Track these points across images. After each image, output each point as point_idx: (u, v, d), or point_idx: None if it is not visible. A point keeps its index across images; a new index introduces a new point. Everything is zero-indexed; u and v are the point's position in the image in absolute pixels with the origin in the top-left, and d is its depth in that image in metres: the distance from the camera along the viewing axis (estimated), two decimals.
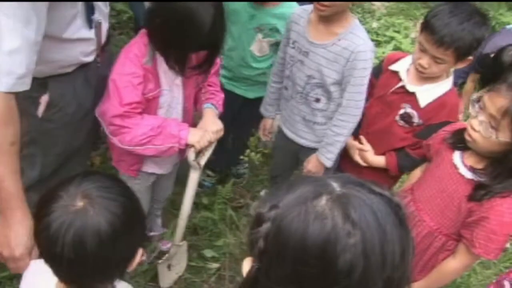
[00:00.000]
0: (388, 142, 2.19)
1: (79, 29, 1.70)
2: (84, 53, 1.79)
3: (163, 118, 1.88)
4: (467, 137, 1.68)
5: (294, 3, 2.34)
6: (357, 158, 2.27)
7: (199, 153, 1.98)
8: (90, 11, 1.72)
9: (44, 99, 1.74)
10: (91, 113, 1.94)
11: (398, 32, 4.47)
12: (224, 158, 2.89)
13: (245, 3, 2.27)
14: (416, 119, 2.07)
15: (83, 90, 1.86)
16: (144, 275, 2.43)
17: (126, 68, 1.79)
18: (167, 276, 2.44)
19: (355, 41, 2.00)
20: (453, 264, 1.83)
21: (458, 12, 1.85)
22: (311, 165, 2.28)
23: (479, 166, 1.71)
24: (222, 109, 2.13)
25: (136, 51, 1.81)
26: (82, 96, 1.86)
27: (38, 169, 1.96)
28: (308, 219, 0.72)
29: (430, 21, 1.87)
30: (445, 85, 2.02)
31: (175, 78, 1.92)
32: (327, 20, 2.03)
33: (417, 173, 2.10)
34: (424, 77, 2.00)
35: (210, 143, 1.97)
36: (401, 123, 2.11)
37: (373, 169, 2.26)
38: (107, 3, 1.89)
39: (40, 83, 1.70)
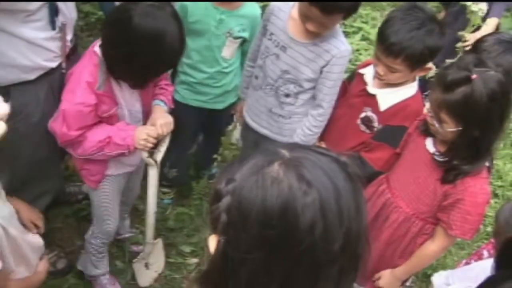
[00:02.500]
0: (344, 144, 2.13)
1: (41, 30, 1.67)
2: (47, 57, 1.74)
3: (109, 128, 1.82)
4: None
5: (255, 3, 2.28)
6: None
7: (154, 149, 1.93)
8: (53, 13, 1.68)
9: None
10: None
11: (365, 22, 4.46)
12: (199, 158, 2.87)
13: (211, 10, 2.16)
14: (375, 123, 2.03)
15: (47, 99, 1.82)
16: (123, 275, 2.40)
17: (76, 97, 1.72)
18: (146, 275, 2.40)
19: (337, 45, 1.98)
20: (432, 247, 1.87)
21: (410, 20, 1.80)
22: None
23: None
24: (185, 121, 2.04)
25: (87, 78, 1.73)
26: (46, 105, 1.82)
27: (7, 177, 1.91)
28: (265, 185, 0.76)
29: (381, 28, 1.86)
30: (408, 90, 1.97)
31: (133, 92, 1.87)
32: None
33: None
34: (385, 83, 1.96)
35: (162, 136, 1.91)
36: (362, 127, 2.06)
37: None
38: (73, 8, 1.83)
39: (2, 92, 1.66)
